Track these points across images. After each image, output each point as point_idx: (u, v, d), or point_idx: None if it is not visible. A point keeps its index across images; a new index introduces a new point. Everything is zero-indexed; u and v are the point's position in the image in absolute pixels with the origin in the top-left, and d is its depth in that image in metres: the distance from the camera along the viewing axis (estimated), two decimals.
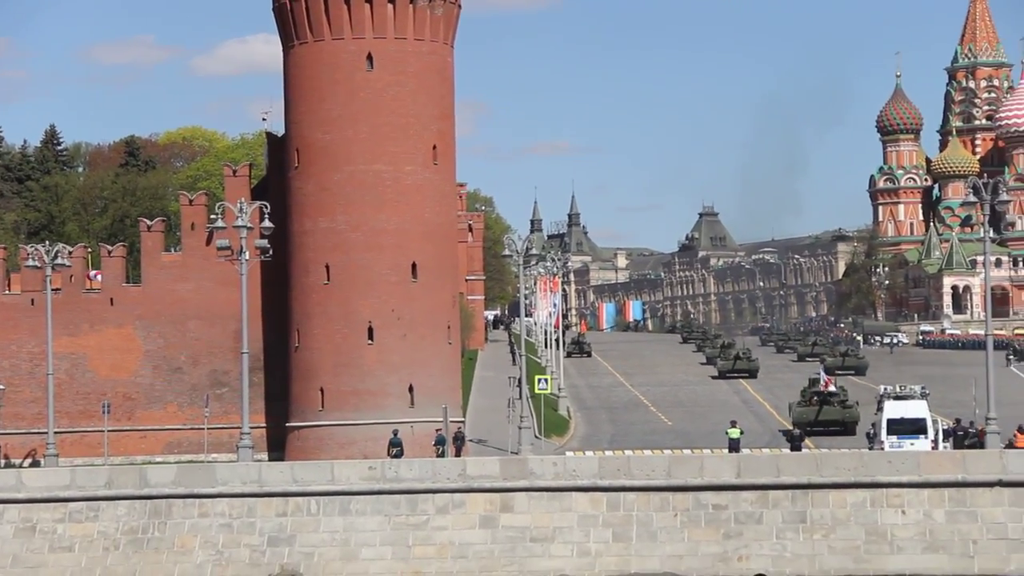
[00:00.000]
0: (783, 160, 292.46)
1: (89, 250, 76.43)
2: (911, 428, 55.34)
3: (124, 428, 67.51)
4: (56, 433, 61.95)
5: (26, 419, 67.90)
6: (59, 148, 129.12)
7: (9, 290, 71.05)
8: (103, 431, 65.84)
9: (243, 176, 68.98)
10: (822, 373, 67.29)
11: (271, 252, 56.52)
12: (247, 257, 52.60)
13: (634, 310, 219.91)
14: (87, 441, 67.17)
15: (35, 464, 64.87)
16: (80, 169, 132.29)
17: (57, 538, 42.98)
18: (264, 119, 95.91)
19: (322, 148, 64.12)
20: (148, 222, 71.14)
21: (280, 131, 69.03)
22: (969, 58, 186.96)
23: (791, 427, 62.75)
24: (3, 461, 66.92)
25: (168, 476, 43.74)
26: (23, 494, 43.45)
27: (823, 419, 64.50)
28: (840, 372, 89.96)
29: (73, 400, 67.90)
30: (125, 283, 70.30)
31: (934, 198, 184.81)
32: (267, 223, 54.30)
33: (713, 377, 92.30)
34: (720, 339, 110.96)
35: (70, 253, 67.24)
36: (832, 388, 65.26)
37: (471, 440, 63.80)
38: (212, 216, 63.21)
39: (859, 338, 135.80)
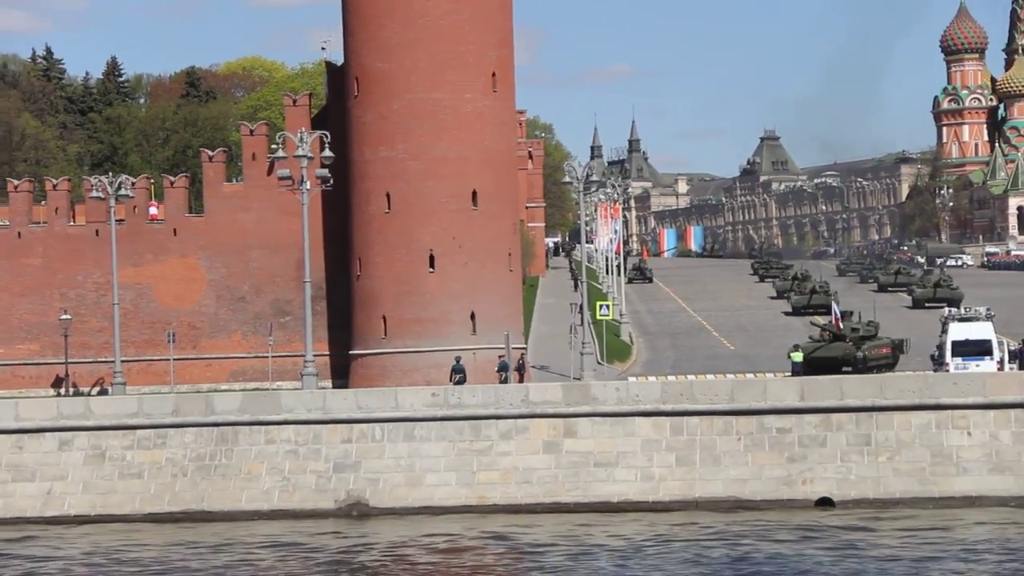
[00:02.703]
0: (846, 81, 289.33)
1: (152, 181, 76.94)
2: (976, 350, 54.96)
3: (189, 357, 68.15)
4: (123, 362, 62.71)
5: (93, 348, 68.69)
6: (120, 80, 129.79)
7: (74, 221, 71.68)
8: (169, 360, 66.52)
9: (303, 106, 69.06)
10: (835, 309, 61.64)
11: (332, 182, 56.64)
12: (308, 187, 52.71)
13: (695, 236, 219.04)
14: (153, 370, 67.89)
15: (103, 392, 65.68)
16: (141, 101, 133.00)
17: (126, 465, 43.48)
18: (323, 48, 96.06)
19: (381, 77, 64.01)
20: (209, 153, 71.43)
21: (339, 60, 68.98)
22: None
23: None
24: (72, 389, 67.81)
25: (234, 404, 44.10)
26: (92, 422, 43.96)
27: (817, 356, 58.07)
28: (931, 304, 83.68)
29: (139, 329, 68.55)
30: (188, 214, 70.72)
31: (999, 118, 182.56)
32: (327, 152, 54.34)
33: (786, 313, 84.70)
34: (792, 269, 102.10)
35: (133, 184, 67.73)
36: (840, 326, 59.36)
37: (533, 366, 63.96)
38: (273, 146, 63.36)
39: (922, 260, 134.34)
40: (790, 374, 56.05)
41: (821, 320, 67.67)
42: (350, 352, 65.09)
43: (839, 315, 60.78)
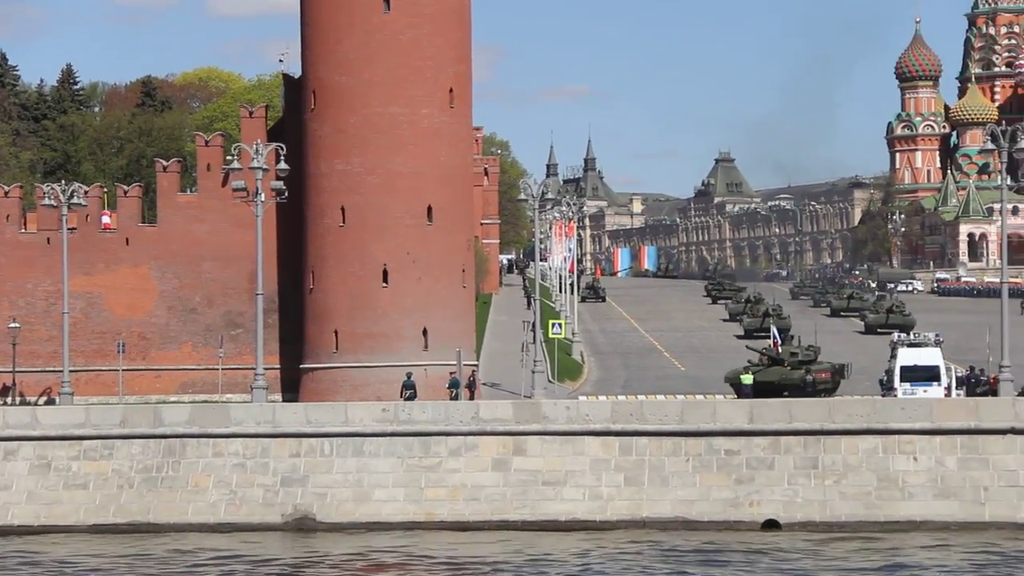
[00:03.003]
0: (802, 104, 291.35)
1: (105, 190, 76.51)
2: (925, 375, 55.29)
3: (139, 368, 67.75)
4: (71, 372, 62.25)
5: (41, 357, 68.20)
6: (76, 87, 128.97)
7: (25, 229, 71.18)
8: (118, 370, 66.12)
9: (259, 117, 68.89)
10: (774, 332, 61.04)
11: (287, 194, 56.47)
12: (263, 198, 52.57)
13: (649, 256, 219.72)
14: (102, 380, 67.44)
15: (50, 402, 65.20)
16: (96, 109, 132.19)
17: (72, 475, 43.25)
18: (281, 60, 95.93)
19: (339, 90, 63.96)
20: (164, 162, 71.13)
21: (297, 72, 68.87)
22: (990, 4, 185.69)
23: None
24: (18, 399, 67.28)
25: (182, 416, 43.93)
26: (38, 431, 43.69)
27: (761, 380, 57.01)
28: (883, 330, 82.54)
29: (88, 339, 68.14)
30: (141, 223, 70.40)
31: (952, 145, 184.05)
32: (283, 165, 54.23)
33: (738, 336, 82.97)
34: (745, 291, 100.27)
35: (86, 193, 67.31)
36: (779, 350, 59.10)
37: (484, 384, 63.95)
38: (228, 157, 63.18)
39: (874, 285, 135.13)
40: (734, 396, 56.19)
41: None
42: (301, 366, 64.90)
43: (779, 339, 60.46)
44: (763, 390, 55.60)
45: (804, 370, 57.87)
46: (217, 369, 66.24)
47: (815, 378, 57.58)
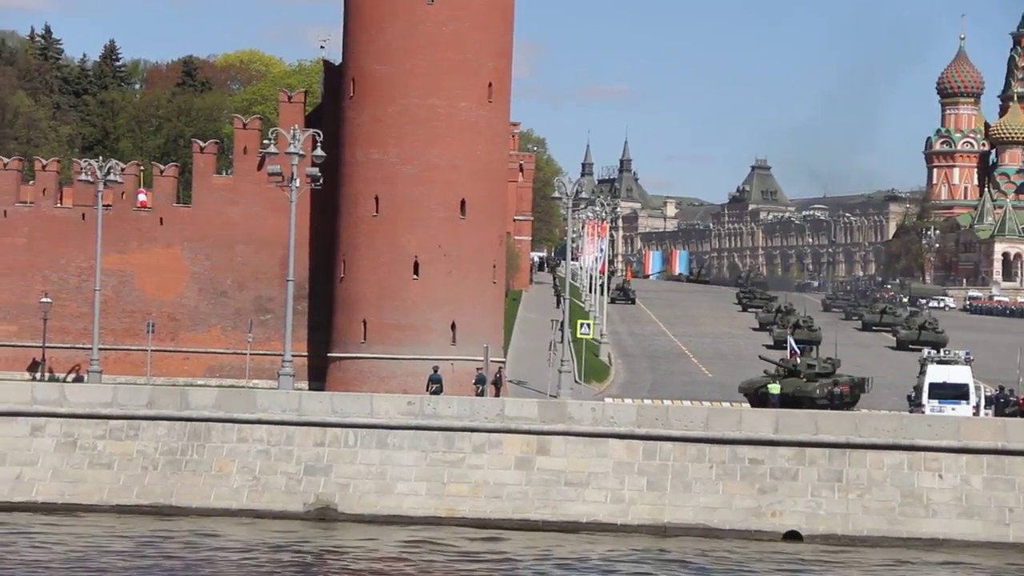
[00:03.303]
0: (842, 114, 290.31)
1: (142, 168, 76.68)
2: (953, 393, 54.99)
3: (167, 349, 67.86)
4: (100, 350, 62.42)
5: (71, 334, 68.37)
6: (117, 64, 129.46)
7: (61, 203, 71.40)
8: (147, 350, 66.27)
9: (298, 103, 68.92)
10: (791, 342, 60.44)
11: (321, 181, 56.47)
12: (297, 184, 52.59)
13: (680, 260, 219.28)
14: (130, 359, 67.57)
15: (78, 379, 65.36)
16: (137, 86, 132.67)
17: (97, 454, 43.31)
18: (322, 46, 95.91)
19: (378, 79, 63.94)
20: (201, 143, 71.22)
21: (338, 60, 68.87)
22: None
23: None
24: (47, 374, 67.49)
25: (209, 399, 43.96)
26: (65, 408, 43.78)
27: (765, 391, 56.53)
28: (914, 346, 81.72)
29: (119, 318, 68.27)
30: (175, 203, 70.51)
31: (990, 163, 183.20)
32: (319, 151, 54.23)
33: (767, 346, 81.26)
34: (777, 301, 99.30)
35: (123, 170, 67.47)
36: (798, 361, 58.39)
37: (511, 381, 63.85)
38: (265, 141, 63.13)
39: (905, 300, 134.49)
40: (747, 403, 55.83)
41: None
42: (328, 354, 64.89)
43: (796, 350, 59.71)
44: (764, 401, 54.92)
45: (820, 383, 57.09)
46: (245, 354, 66.31)
47: (831, 391, 56.76)
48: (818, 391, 56.55)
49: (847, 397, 57.08)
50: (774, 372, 58.58)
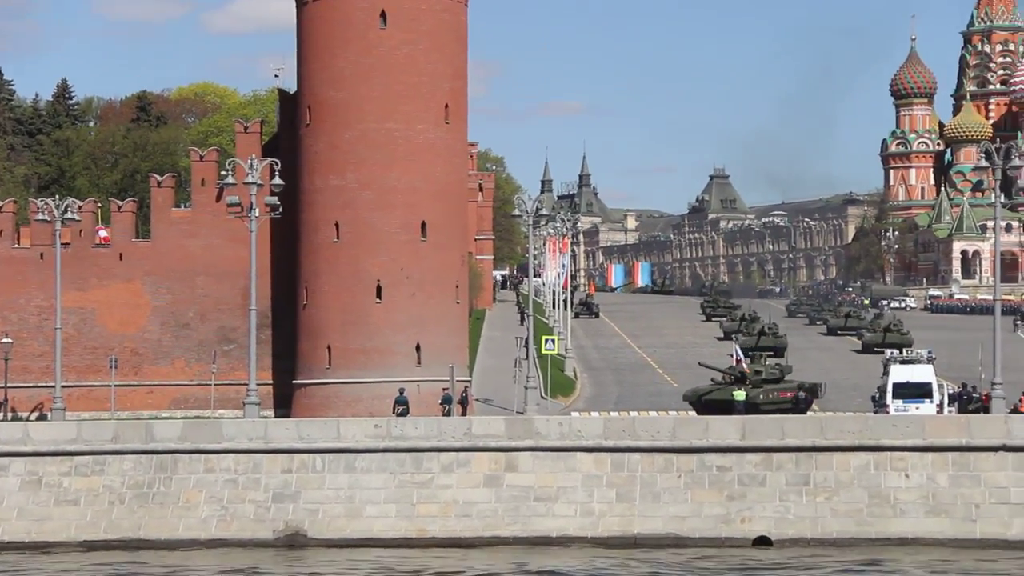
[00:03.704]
0: (799, 118, 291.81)
1: (99, 205, 76.52)
2: (917, 392, 55.32)
3: (131, 383, 67.71)
4: (63, 387, 62.19)
5: (33, 373, 68.14)
6: (71, 102, 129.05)
7: (19, 244, 71.17)
8: (110, 386, 66.08)
9: (254, 133, 68.98)
10: (736, 350, 59.91)
11: (281, 209, 56.52)
12: (257, 214, 52.60)
13: (643, 272, 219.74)
14: (94, 396, 67.39)
15: (42, 418, 65.12)
16: (91, 123, 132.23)
17: (63, 491, 43.15)
18: (276, 76, 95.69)
19: (334, 106, 64.04)
20: (158, 177, 71.18)
21: (292, 88, 68.97)
22: (985, 22, 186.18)
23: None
24: (10, 414, 67.19)
25: (174, 431, 43.86)
26: (29, 447, 43.59)
27: (710, 398, 56.52)
28: (880, 349, 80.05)
29: (80, 355, 68.09)
30: (134, 239, 70.39)
31: (946, 163, 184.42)
32: (277, 180, 54.29)
33: (730, 355, 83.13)
34: (740, 309, 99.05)
35: (80, 207, 67.36)
36: (744, 367, 57.51)
37: (477, 399, 63.93)
38: (223, 172, 63.16)
39: (867, 301, 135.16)
40: (693, 411, 55.50)
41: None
42: (294, 381, 64.88)
43: (742, 356, 59.51)
44: (718, 409, 54.03)
45: (764, 389, 56.40)
46: (210, 385, 66.21)
47: (775, 397, 56.01)
48: (761, 397, 56.19)
49: (787, 403, 56.39)
50: (721, 380, 58.16)
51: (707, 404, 55.95)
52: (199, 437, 43.50)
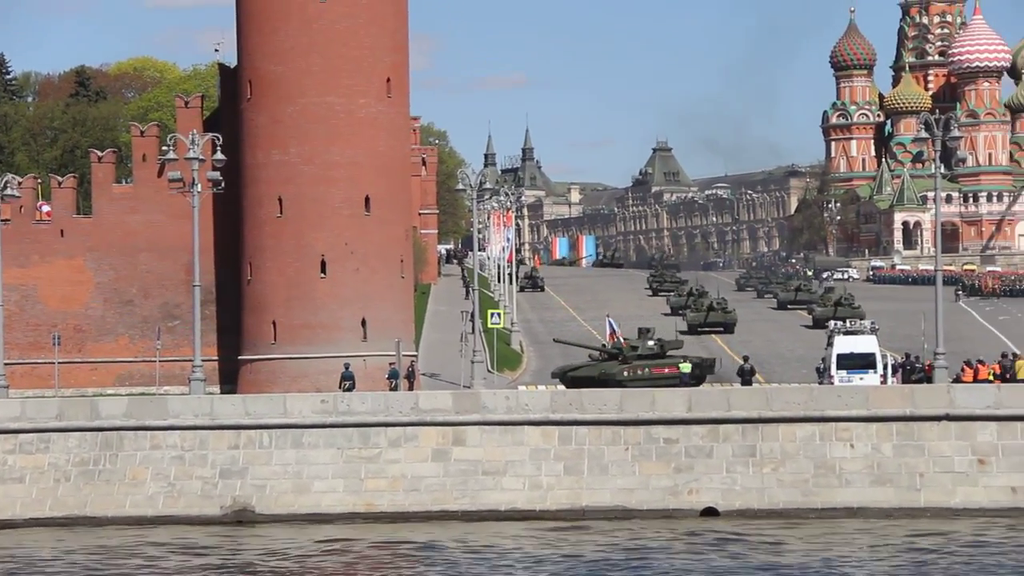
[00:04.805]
0: (743, 87, 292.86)
1: (39, 181, 75.80)
2: (861, 363, 55.68)
3: (75, 360, 67.21)
4: (6, 365, 61.59)
5: None
6: (8, 77, 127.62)
7: None
8: (54, 363, 65.59)
9: (195, 108, 68.47)
10: (610, 323, 59.17)
11: (223, 184, 56.16)
12: (199, 189, 52.27)
13: (587, 245, 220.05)
14: (37, 373, 66.85)
15: None
16: (29, 99, 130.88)
17: (7, 469, 42.88)
18: (216, 50, 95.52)
19: (275, 80, 63.68)
20: (99, 153, 70.53)
21: (233, 63, 68.49)
22: None
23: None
24: None
25: (119, 408, 43.63)
26: None
27: (577, 375, 55.34)
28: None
29: (23, 332, 67.51)
30: (75, 215, 69.80)
31: (886, 134, 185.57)
32: (219, 155, 53.95)
33: (682, 332, 73.79)
34: (688, 284, 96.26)
35: (20, 184, 66.62)
36: (623, 342, 56.47)
37: (424, 374, 63.92)
38: (164, 148, 62.79)
39: (810, 273, 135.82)
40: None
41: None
42: (239, 357, 64.62)
43: (616, 330, 58.73)
44: (586, 385, 51.43)
45: (631, 365, 54.95)
46: (154, 361, 65.82)
47: (648, 374, 54.77)
48: (626, 373, 54.84)
49: (671, 379, 54.81)
50: (598, 357, 56.88)
51: (574, 380, 54.37)
52: (145, 414, 43.31)
